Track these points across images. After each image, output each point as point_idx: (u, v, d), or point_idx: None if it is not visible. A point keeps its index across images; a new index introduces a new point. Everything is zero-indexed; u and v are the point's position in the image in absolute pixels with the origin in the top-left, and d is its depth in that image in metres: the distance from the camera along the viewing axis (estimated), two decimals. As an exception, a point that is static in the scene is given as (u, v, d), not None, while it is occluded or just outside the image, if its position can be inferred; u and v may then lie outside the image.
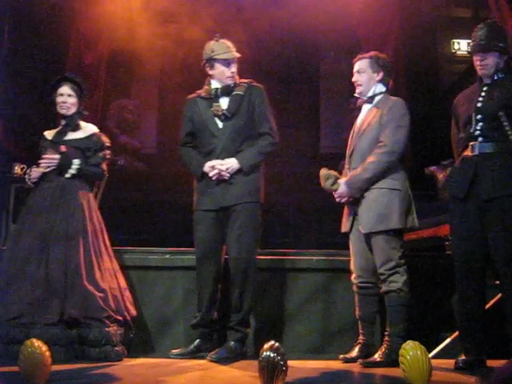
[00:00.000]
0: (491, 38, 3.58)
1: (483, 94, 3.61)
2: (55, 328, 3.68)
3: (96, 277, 3.88)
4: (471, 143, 3.56)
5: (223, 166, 3.91)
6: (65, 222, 3.95)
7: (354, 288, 3.85)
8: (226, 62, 4.02)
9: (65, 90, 4.18)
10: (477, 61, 3.62)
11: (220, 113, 4.00)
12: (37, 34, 7.15)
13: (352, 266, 3.87)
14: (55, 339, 3.61)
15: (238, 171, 3.92)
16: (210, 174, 3.93)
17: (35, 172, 4.10)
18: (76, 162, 4.10)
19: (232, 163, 3.92)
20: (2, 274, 3.88)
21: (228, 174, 3.91)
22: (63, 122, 4.22)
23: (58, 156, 4.07)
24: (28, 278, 3.81)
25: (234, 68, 4.05)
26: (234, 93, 4.02)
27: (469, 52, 3.73)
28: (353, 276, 3.86)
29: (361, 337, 3.81)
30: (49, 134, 4.26)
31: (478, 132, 3.54)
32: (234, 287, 3.90)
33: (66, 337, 3.71)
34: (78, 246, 3.91)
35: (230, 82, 4.04)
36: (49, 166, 4.07)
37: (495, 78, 3.59)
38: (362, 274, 3.81)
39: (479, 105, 3.58)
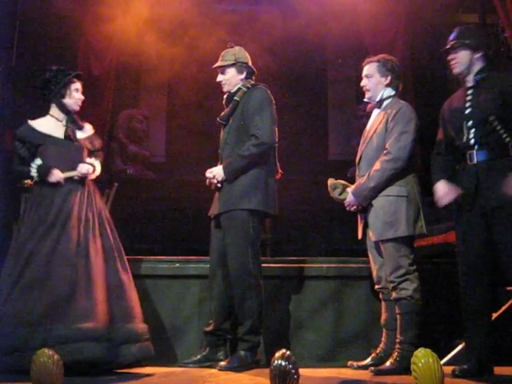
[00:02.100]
0: (459, 37, 3.61)
1: (469, 98, 3.58)
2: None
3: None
4: (468, 152, 3.52)
5: (211, 173, 3.93)
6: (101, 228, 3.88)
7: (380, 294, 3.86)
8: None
9: (80, 86, 4.03)
10: (449, 61, 3.64)
11: (218, 121, 4.06)
12: (45, 45, 7.19)
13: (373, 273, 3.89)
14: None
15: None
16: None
17: (58, 176, 3.83)
18: (97, 163, 4.02)
19: (218, 170, 3.91)
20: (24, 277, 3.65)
21: (215, 181, 3.91)
22: (65, 118, 3.99)
23: (89, 167, 3.92)
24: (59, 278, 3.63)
25: (219, 77, 4.07)
26: (234, 99, 4.01)
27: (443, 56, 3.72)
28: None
29: (381, 345, 3.79)
30: (48, 129, 3.95)
31: (472, 140, 3.51)
32: (235, 298, 3.86)
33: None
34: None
35: (224, 89, 4.08)
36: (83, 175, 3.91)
37: (476, 79, 3.57)
38: (379, 280, 3.81)
39: (467, 111, 3.55)
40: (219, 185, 3.91)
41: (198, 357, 3.93)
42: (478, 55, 3.58)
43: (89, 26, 7.43)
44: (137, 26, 6.61)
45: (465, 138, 3.54)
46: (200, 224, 4.16)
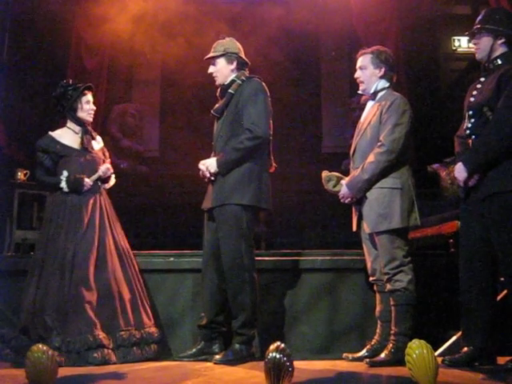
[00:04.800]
0: (483, 21, 3.54)
1: (479, 86, 3.54)
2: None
3: None
4: (468, 141, 3.54)
5: (204, 165, 3.91)
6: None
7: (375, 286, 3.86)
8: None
9: (90, 97, 4.20)
10: (474, 46, 3.59)
11: (212, 113, 4.03)
12: (38, 41, 7.17)
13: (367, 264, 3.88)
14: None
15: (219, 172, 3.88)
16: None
17: (89, 184, 4.07)
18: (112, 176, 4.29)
19: (211, 162, 3.88)
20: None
21: (207, 173, 3.88)
22: (80, 129, 4.16)
23: (108, 165, 4.22)
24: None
25: (210, 68, 4.05)
26: (228, 91, 3.97)
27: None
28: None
29: (376, 337, 3.79)
30: (67, 141, 4.13)
31: (468, 130, 3.51)
32: (228, 291, 3.85)
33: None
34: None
35: (216, 82, 4.06)
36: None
37: (491, 66, 3.51)
38: (374, 271, 3.81)
39: (471, 99, 3.53)
40: (212, 177, 3.89)
41: (193, 350, 3.93)
42: (500, 41, 3.49)
43: (81, 20, 7.41)
44: (130, 20, 6.59)
45: (465, 126, 3.54)
46: (194, 218, 4.15)
